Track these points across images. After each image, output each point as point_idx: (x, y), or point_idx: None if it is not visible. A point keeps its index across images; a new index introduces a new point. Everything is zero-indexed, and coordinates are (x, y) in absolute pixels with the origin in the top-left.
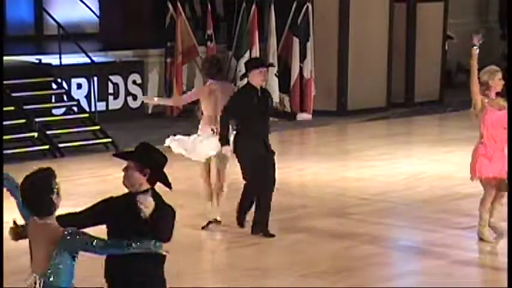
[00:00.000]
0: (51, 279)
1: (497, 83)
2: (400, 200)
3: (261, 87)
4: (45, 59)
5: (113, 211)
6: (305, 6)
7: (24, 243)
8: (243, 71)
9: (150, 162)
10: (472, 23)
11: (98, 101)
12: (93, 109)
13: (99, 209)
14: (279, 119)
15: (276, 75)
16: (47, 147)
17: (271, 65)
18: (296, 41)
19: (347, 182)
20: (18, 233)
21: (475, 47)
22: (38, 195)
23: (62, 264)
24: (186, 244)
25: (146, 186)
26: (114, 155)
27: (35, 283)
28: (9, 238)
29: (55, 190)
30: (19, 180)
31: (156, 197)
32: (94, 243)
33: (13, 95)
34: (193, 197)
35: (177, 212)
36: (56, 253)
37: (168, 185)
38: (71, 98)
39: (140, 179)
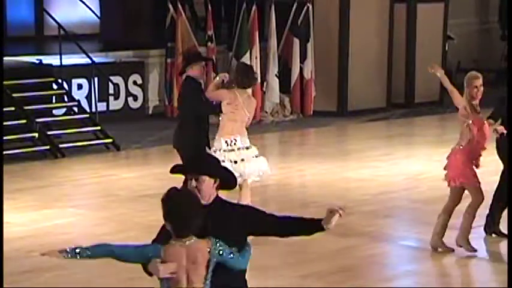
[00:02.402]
0: None
1: (472, 90)
2: (400, 200)
3: None
4: (46, 60)
5: None
6: (305, 7)
7: (25, 244)
8: None
9: (215, 167)
10: (472, 23)
11: (99, 101)
12: (93, 109)
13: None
14: None
15: (276, 75)
16: (47, 147)
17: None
18: (296, 42)
19: (347, 183)
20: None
21: (438, 74)
22: (195, 214)
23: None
24: None
25: (215, 194)
26: (173, 171)
27: None
28: (9, 239)
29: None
30: (24, 182)
31: (227, 202)
32: (234, 252)
33: (14, 95)
34: None
35: None
36: (210, 266)
37: (233, 183)
38: (71, 99)
39: (212, 190)
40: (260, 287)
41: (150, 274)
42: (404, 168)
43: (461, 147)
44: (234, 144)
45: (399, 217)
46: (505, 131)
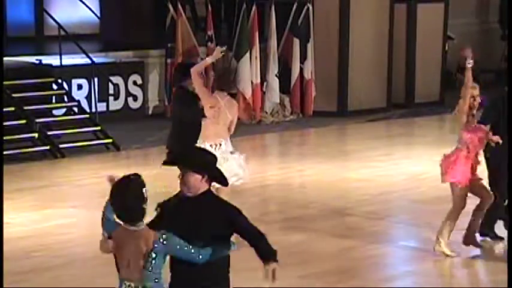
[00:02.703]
0: (150, 283)
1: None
2: (400, 201)
3: None
4: (46, 60)
5: (176, 218)
6: (305, 7)
7: (25, 244)
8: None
9: (205, 165)
10: (472, 23)
11: (99, 101)
12: (93, 110)
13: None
14: None
15: (276, 75)
16: (47, 147)
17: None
18: (296, 42)
19: (347, 183)
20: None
21: (468, 63)
22: (135, 202)
23: (159, 268)
24: None
25: (204, 188)
26: (165, 163)
27: None
28: (9, 239)
29: (146, 197)
30: (23, 182)
31: (216, 197)
32: (192, 248)
33: (14, 95)
34: None
35: None
36: (153, 257)
37: (224, 182)
38: (71, 99)
39: (200, 184)
40: (260, 287)
41: None
42: (404, 168)
43: (459, 148)
44: (219, 148)
45: (399, 217)
46: (500, 141)
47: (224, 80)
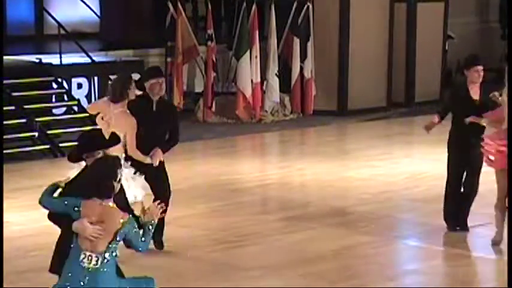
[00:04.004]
0: (107, 262)
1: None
2: (400, 200)
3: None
4: (46, 59)
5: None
6: (305, 6)
7: (24, 244)
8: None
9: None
10: (472, 23)
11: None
12: None
13: None
14: None
15: (276, 75)
16: (47, 146)
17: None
18: (296, 41)
19: (347, 182)
20: None
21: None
22: (103, 179)
23: (116, 252)
24: (184, 244)
25: None
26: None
27: (91, 260)
28: (8, 238)
29: (118, 177)
30: (23, 181)
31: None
32: (141, 241)
33: (13, 94)
34: (190, 196)
35: (175, 211)
36: (117, 239)
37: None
38: (71, 98)
39: None
40: (260, 286)
41: (55, 222)
42: (404, 167)
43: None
44: None
45: (399, 216)
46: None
47: (115, 89)
